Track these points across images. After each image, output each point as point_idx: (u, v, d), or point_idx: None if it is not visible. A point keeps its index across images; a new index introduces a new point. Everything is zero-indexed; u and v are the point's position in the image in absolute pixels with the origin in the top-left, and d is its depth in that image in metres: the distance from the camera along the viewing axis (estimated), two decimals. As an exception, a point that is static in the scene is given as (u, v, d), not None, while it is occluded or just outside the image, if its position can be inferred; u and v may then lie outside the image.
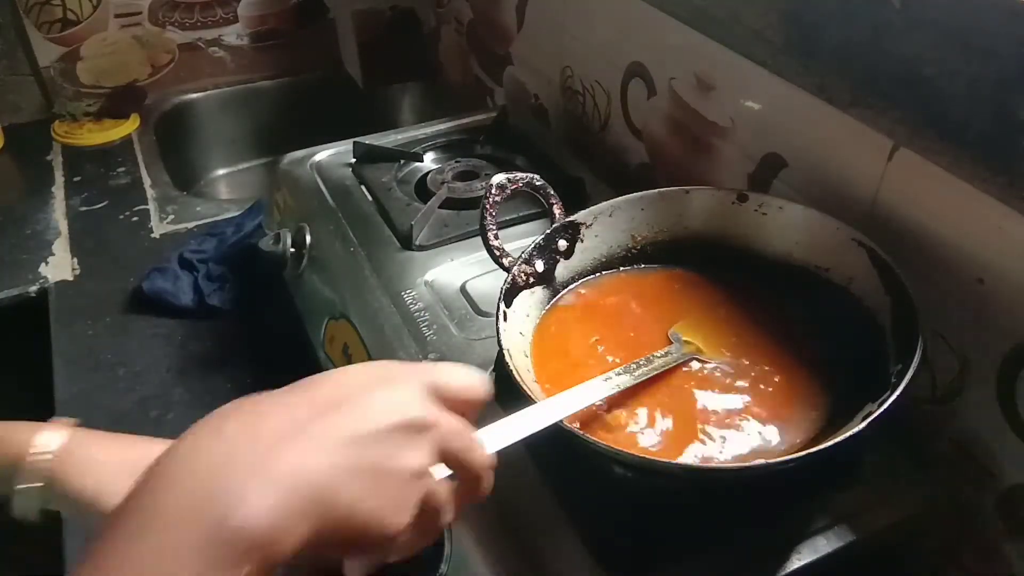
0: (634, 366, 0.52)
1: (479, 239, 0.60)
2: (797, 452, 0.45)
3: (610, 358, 0.56)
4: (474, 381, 0.38)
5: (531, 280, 0.59)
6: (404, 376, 0.36)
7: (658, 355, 0.54)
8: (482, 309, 0.70)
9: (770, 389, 0.54)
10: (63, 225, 1.11)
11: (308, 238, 0.83)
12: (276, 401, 0.33)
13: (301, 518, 0.29)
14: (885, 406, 0.44)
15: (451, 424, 0.35)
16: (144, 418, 0.82)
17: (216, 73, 1.42)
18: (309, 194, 0.88)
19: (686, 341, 0.56)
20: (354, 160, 0.92)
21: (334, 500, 0.30)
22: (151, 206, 1.15)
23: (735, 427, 0.51)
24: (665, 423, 0.51)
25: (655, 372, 0.53)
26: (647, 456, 0.45)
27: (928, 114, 0.53)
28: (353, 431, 0.32)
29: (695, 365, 0.55)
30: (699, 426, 0.51)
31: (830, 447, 0.44)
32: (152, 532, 0.27)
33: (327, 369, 0.80)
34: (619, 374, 0.51)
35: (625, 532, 0.50)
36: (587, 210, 0.63)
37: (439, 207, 0.81)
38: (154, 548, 0.27)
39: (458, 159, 0.92)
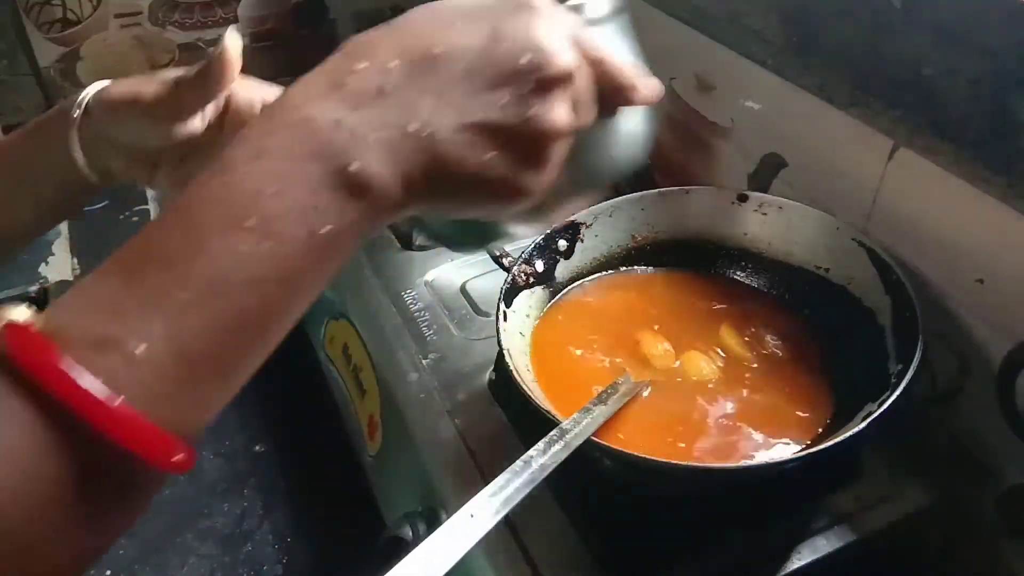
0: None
1: (479, 239, 0.60)
2: (797, 452, 0.45)
3: (608, 359, 0.56)
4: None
5: (531, 280, 0.59)
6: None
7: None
8: (482, 309, 0.70)
9: (770, 389, 0.54)
10: (63, 225, 1.11)
11: (308, 238, 0.83)
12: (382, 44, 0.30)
13: (410, 175, 0.28)
14: (885, 406, 0.44)
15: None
16: (144, 418, 0.82)
17: (216, 73, 1.42)
18: (309, 194, 0.87)
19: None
20: (354, 160, 0.92)
21: (446, 161, 0.28)
22: (151, 206, 1.15)
23: (735, 427, 0.51)
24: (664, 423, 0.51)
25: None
26: (647, 456, 0.45)
27: (928, 114, 0.53)
28: (473, 85, 0.29)
29: (693, 369, 0.55)
30: (700, 427, 0.51)
31: (830, 447, 0.44)
32: (270, 159, 0.27)
33: (328, 369, 0.80)
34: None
35: (625, 532, 0.50)
36: (587, 210, 0.63)
37: (439, 207, 0.81)
38: (271, 168, 0.27)
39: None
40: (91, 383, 0.23)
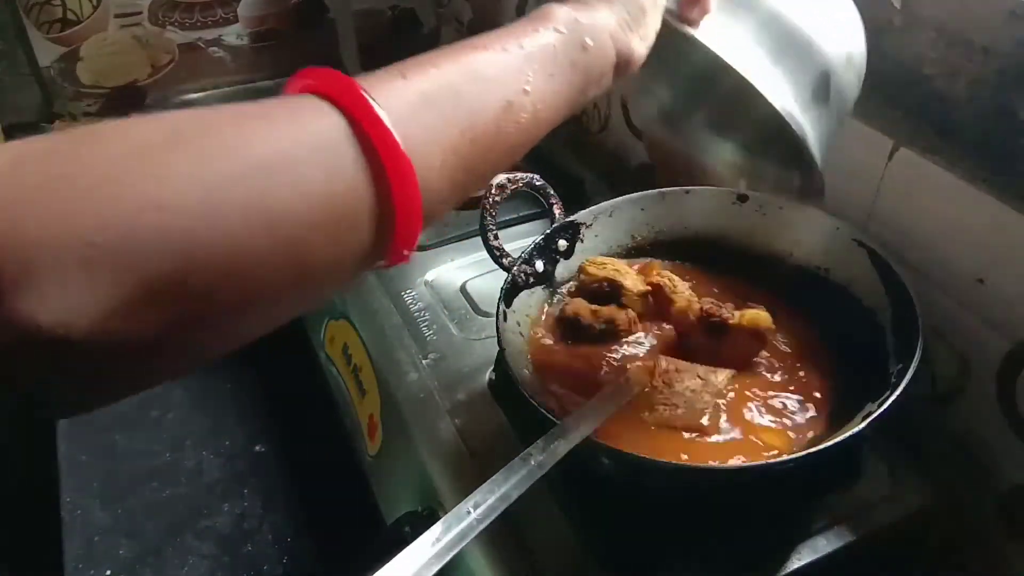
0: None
1: (479, 239, 0.60)
2: (797, 452, 0.45)
3: (608, 358, 0.56)
4: None
5: (531, 280, 0.59)
6: None
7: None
8: (482, 309, 0.70)
9: (770, 388, 0.54)
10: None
11: (308, 238, 0.83)
12: None
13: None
14: (885, 406, 0.44)
15: None
16: (144, 418, 0.82)
17: (216, 73, 1.42)
18: (309, 194, 0.87)
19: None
20: (354, 160, 0.92)
21: None
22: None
23: (736, 427, 0.51)
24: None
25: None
26: (647, 456, 0.45)
27: (928, 114, 0.53)
28: None
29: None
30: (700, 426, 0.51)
31: (830, 447, 0.44)
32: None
33: (328, 370, 0.80)
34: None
35: (625, 532, 0.50)
36: (587, 210, 0.63)
37: (439, 207, 0.81)
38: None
39: (458, 159, 0.92)
40: (380, 110, 0.29)
